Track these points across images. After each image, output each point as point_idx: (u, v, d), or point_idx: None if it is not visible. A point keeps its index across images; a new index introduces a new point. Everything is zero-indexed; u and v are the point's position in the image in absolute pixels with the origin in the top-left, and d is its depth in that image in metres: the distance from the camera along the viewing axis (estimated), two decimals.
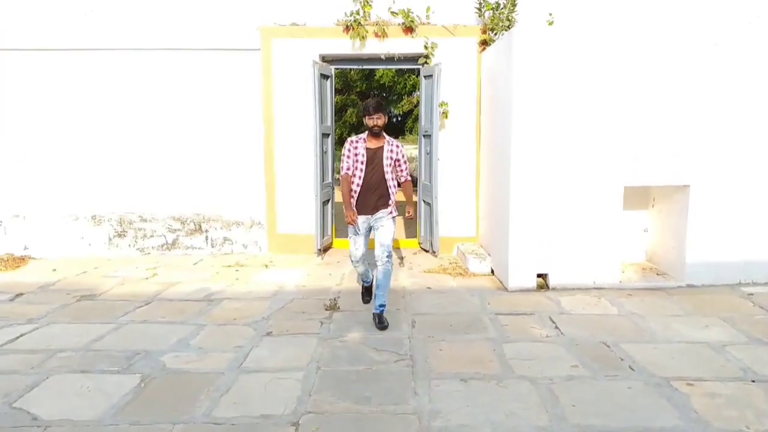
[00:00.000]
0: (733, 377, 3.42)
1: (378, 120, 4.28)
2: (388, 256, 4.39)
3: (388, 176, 4.41)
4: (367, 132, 4.43)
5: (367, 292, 5.00)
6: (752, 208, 5.38)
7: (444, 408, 3.08)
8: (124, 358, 3.81)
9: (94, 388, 3.38)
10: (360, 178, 4.39)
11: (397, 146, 4.47)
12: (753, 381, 3.36)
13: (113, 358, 3.82)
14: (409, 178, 4.60)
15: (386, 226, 4.42)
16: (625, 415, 2.96)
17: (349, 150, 4.40)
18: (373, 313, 4.44)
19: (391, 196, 4.46)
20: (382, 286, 4.39)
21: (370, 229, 4.52)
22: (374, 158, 4.35)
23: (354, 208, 4.41)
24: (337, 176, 6.43)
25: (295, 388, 3.34)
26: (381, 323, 4.34)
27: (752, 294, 5.11)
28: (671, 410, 3.01)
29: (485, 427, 2.86)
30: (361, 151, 4.36)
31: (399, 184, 4.61)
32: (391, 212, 4.46)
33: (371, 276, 4.91)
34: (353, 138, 4.46)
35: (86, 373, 3.59)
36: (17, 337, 4.24)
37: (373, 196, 4.40)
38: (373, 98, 3.98)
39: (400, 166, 4.49)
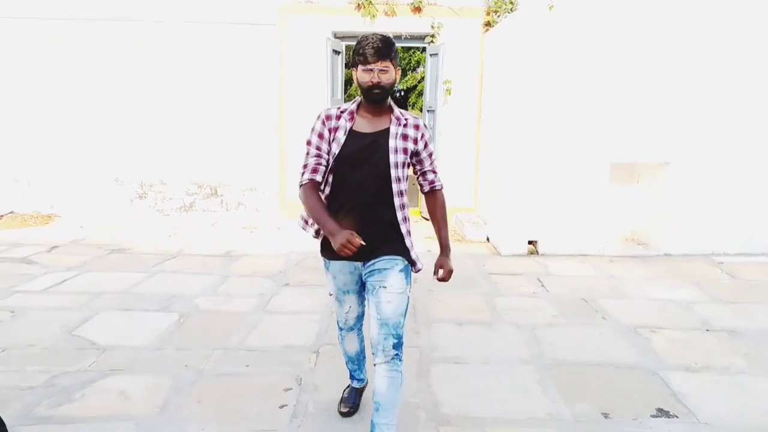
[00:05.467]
0: (691, 327, 3.95)
1: (381, 74, 2.19)
2: (395, 347, 2.30)
3: (396, 188, 2.29)
4: (357, 100, 2.35)
5: (351, 397, 2.84)
6: (726, 184, 5.87)
7: (442, 344, 3.62)
8: (161, 300, 4.34)
9: (139, 322, 3.91)
10: (337, 189, 2.33)
11: (416, 127, 2.32)
12: (707, 330, 3.90)
13: (152, 299, 4.35)
14: (441, 185, 2.47)
15: (392, 285, 2.28)
16: (594, 352, 3.51)
17: (319, 132, 2.29)
18: None
19: (403, 226, 2.34)
20: (386, 406, 2.29)
21: (362, 283, 2.44)
22: (370, 151, 2.26)
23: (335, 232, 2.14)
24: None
25: (313, 326, 3.87)
26: None
27: (722, 263, 5.64)
28: (634, 350, 3.56)
29: (476, 358, 3.41)
30: (341, 135, 2.26)
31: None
32: (402, 255, 2.34)
33: (365, 373, 2.87)
34: (330, 110, 2.33)
35: (130, 311, 4.12)
36: (62, 282, 4.77)
37: (365, 227, 2.23)
38: (372, 35, 2.23)
39: (422, 164, 2.41)
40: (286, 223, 7.28)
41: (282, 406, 2.85)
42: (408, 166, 2.35)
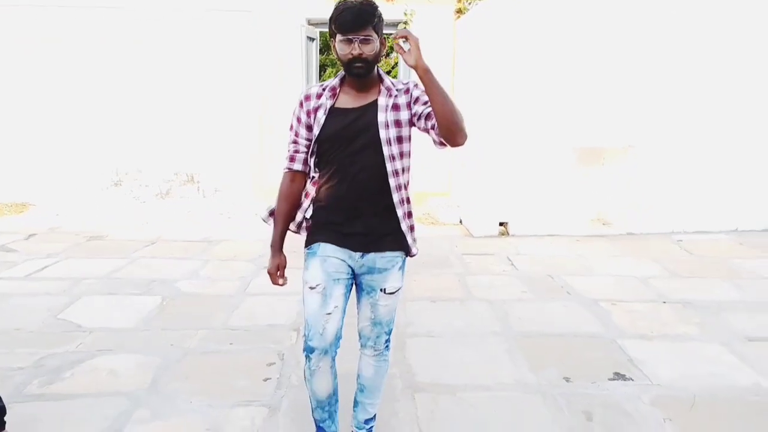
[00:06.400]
0: (650, 300, 4.22)
1: (363, 45, 1.92)
2: (386, 341, 2.28)
3: (390, 167, 2.03)
4: (341, 74, 2.08)
5: None
6: (686, 166, 6.17)
7: (415, 320, 3.81)
8: (143, 284, 4.45)
9: (122, 305, 4.02)
10: (326, 174, 2.09)
11: (407, 91, 2.05)
12: (664, 302, 4.17)
13: (133, 284, 4.45)
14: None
15: (392, 285, 2.16)
16: (559, 324, 3.74)
17: (297, 115, 2.10)
18: None
19: (399, 209, 2.09)
20: (372, 389, 2.33)
21: (351, 278, 2.15)
22: (356, 129, 2.01)
23: (282, 250, 2.25)
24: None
25: (293, 306, 4.02)
26: None
27: (681, 240, 5.95)
28: (595, 321, 3.80)
29: (448, 332, 3.61)
30: (321, 114, 2.03)
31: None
32: (401, 249, 2.16)
33: (337, 423, 2.29)
34: (311, 89, 2.12)
35: (113, 295, 4.22)
36: (43, 268, 4.83)
37: (360, 217, 2.08)
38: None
39: (421, 117, 2.03)
40: (264, 209, 7.37)
41: (266, 379, 3.01)
42: (409, 140, 2.07)
